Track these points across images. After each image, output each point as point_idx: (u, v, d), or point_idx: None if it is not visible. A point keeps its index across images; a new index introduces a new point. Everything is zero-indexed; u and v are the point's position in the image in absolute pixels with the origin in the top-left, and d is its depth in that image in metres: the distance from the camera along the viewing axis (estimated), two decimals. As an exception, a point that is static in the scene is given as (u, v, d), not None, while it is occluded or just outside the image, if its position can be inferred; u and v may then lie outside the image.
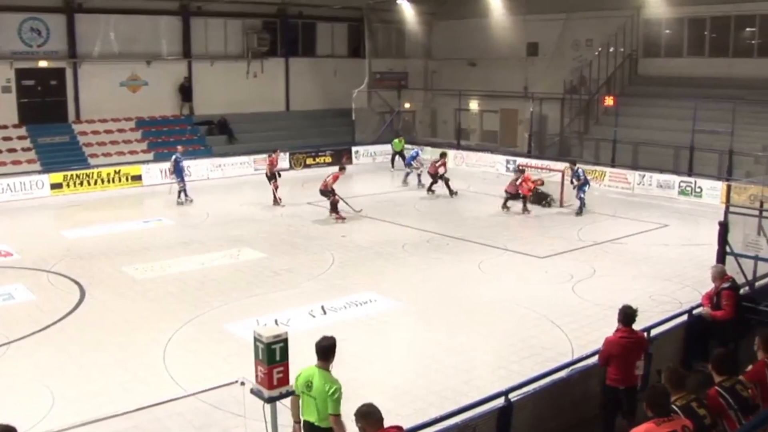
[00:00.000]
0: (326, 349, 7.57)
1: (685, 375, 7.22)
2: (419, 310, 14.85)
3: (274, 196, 25.96)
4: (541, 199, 25.68)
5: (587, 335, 13.16)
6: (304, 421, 7.63)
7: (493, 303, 15.26)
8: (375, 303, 15.16)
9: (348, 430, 7.20)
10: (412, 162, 30.25)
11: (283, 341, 7.56)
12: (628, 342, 8.92)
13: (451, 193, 27.40)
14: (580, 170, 24.95)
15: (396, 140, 34.46)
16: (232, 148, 34.11)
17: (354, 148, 36.58)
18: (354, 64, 40.16)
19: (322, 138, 36.88)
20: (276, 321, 13.54)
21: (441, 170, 27.51)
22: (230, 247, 19.79)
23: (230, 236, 21.00)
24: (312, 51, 39.54)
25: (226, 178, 31.53)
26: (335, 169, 25.27)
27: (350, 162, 35.62)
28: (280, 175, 26.53)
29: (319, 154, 35.20)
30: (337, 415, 7.33)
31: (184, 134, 34.12)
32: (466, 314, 14.52)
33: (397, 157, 34.11)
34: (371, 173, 33.84)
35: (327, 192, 23.58)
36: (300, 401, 7.66)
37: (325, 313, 14.41)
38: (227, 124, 35.14)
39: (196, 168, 31.08)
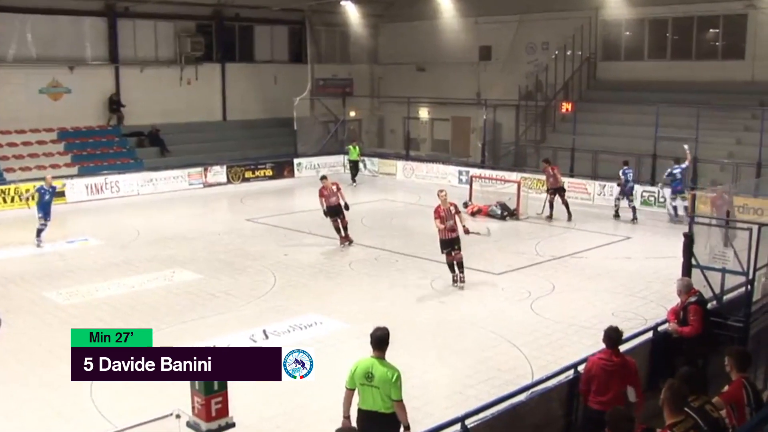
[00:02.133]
0: (381, 339, 8.43)
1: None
2: (368, 332, 14.76)
3: (342, 233, 22.07)
4: (501, 212, 25.88)
5: (547, 355, 13.24)
6: (366, 412, 8.30)
7: (446, 323, 15.28)
8: (320, 326, 15.07)
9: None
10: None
11: (222, 372, 7.45)
12: (607, 364, 8.93)
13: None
14: (628, 172, 25.44)
15: (351, 147, 34.40)
16: (165, 161, 33.76)
17: (296, 160, 36.49)
18: (295, 70, 40.09)
19: (262, 149, 36.70)
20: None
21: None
22: (163, 268, 19.54)
23: (163, 256, 20.74)
24: (250, 56, 39.42)
25: (159, 194, 31.17)
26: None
27: (292, 175, 35.53)
28: (347, 208, 21.94)
29: (259, 166, 35.03)
30: (401, 400, 8.20)
31: (112, 146, 33.67)
32: (418, 336, 14.50)
33: (358, 166, 34.22)
34: (315, 187, 33.59)
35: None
36: (356, 394, 8.36)
37: (267, 337, 14.28)
38: (159, 135, 34.77)
39: (126, 183, 30.71)
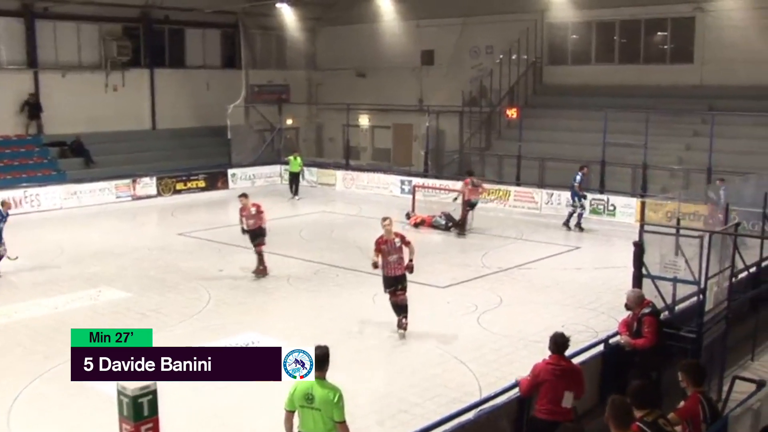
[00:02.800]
0: (321, 358, 8.17)
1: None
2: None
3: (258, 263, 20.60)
4: (446, 223, 25.98)
5: (495, 371, 13.30)
6: None
7: (390, 340, 15.26)
8: (258, 345, 14.92)
9: None
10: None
11: (152, 393, 7.39)
12: (556, 369, 9.11)
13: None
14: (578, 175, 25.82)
15: (291, 158, 33.87)
16: (90, 173, 33.26)
17: (230, 171, 36.25)
18: (229, 76, 39.90)
19: (194, 159, 36.40)
20: (144, 370, 13.14)
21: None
22: (88, 287, 19.20)
23: (88, 274, 20.39)
24: (181, 61, 39.10)
25: (83, 208, 30.67)
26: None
27: (226, 187, 35.28)
28: (260, 234, 20.27)
29: (191, 177, 34.72)
30: (344, 422, 8.09)
31: (32, 157, 33.09)
32: (361, 353, 14.46)
33: (299, 178, 33.70)
34: (250, 198, 33.46)
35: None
36: (296, 416, 8.25)
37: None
38: (83, 145, 34.24)
39: (47, 196, 30.18)
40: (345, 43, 40.89)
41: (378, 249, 15.39)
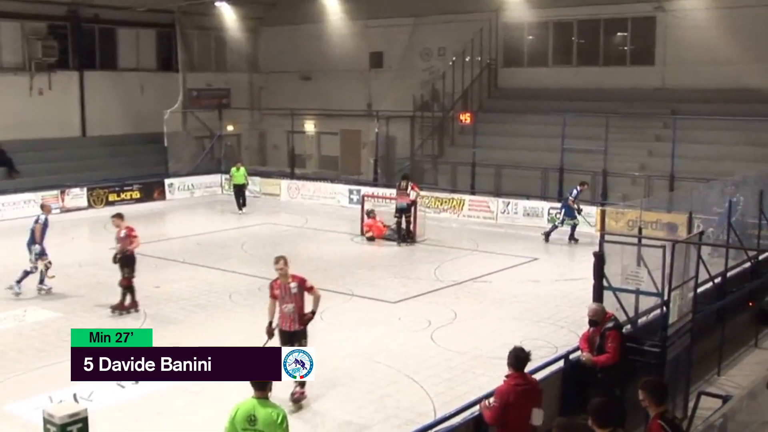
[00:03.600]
0: (262, 382, 8.26)
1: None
2: (252, 372, 14.60)
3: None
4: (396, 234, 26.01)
5: (451, 390, 13.32)
6: None
7: (338, 359, 15.20)
8: (197, 366, 14.79)
9: None
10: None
11: (82, 421, 7.33)
12: (525, 389, 9.12)
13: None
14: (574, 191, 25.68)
15: (234, 169, 33.08)
16: (13, 184, 32.73)
17: (167, 181, 35.94)
18: (165, 79, 39.62)
19: (128, 169, 36.01)
20: (75, 396, 12.97)
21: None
22: (14, 306, 18.85)
23: (13, 293, 20.02)
24: (113, 63, 38.70)
25: (6, 221, 30.14)
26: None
27: (163, 197, 34.99)
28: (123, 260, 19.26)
29: (125, 188, 34.35)
30: None
31: (-51, 167, 32.52)
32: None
33: (245, 190, 32.80)
34: (188, 210, 33.36)
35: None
36: None
37: (137, 381, 13.92)
38: (5, 153, 33.71)
39: (-33, 209, 29.66)
40: (289, 45, 40.83)
41: (271, 294, 13.41)
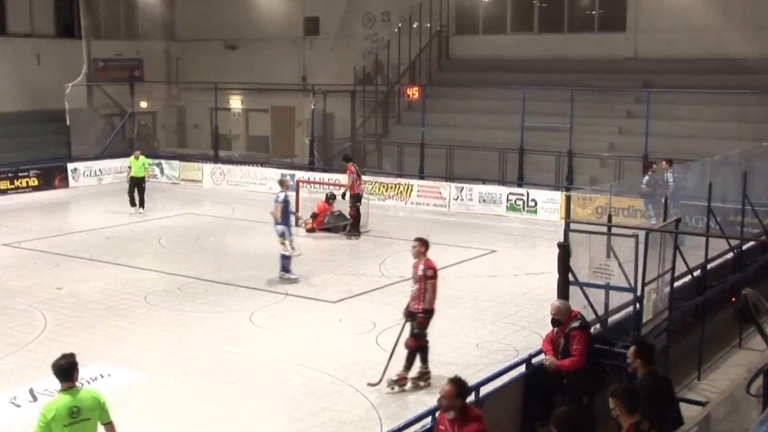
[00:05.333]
0: (68, 369, 8.75)
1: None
2: (172, 384, 14.58)
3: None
4: (338, 223, 26.03)
5: (398, 400, 13.41)
6: None
7: (271, 365, 15.24)
8: (109, 378, 14.71)
9: None
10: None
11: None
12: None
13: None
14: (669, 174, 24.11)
15: (133, 158, 30.58)
16: None
17: (71, 166, 35.56)
18: (65, 48, 39.18)
19: (23, 152, 35.65)
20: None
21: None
22: None
23: None
24: (2, 28, 38.14)
25: None
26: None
27: (65, 185, 34.63)
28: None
29: (20, 174, 33.91)
30: (112, 422, 8.92)
31: None
32: (237, 383, 14.41)
33: (144, 184, 30.18)
34: (96, 199, 33.02)
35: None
36: None
37: (35, 398, 13.82)
38: None
39: None
40: (210, 8, 40.62)
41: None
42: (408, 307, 14.18)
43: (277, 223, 20.78)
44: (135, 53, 42.03)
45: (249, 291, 19.90)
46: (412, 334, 13.96)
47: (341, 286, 20.40)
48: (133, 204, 29.77)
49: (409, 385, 13.84)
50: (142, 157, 30.64)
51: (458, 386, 8.95)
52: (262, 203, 30.71)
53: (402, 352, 13.87)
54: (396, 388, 13.73)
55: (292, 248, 20.97)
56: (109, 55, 40.81)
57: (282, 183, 21.79)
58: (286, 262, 20.81)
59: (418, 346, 13.91)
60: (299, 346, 16.20)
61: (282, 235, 20.72)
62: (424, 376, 14.01)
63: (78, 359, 15.33)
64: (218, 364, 15.31)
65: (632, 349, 9.99)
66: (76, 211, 32.02)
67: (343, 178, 27.17)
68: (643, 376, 9.75)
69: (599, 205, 23.41)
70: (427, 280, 14.00)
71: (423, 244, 14.21)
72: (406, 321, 14.19)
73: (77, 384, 8.85)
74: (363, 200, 26.09)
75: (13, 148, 35.65)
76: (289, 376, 14.80)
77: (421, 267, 14.02)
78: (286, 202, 20.94)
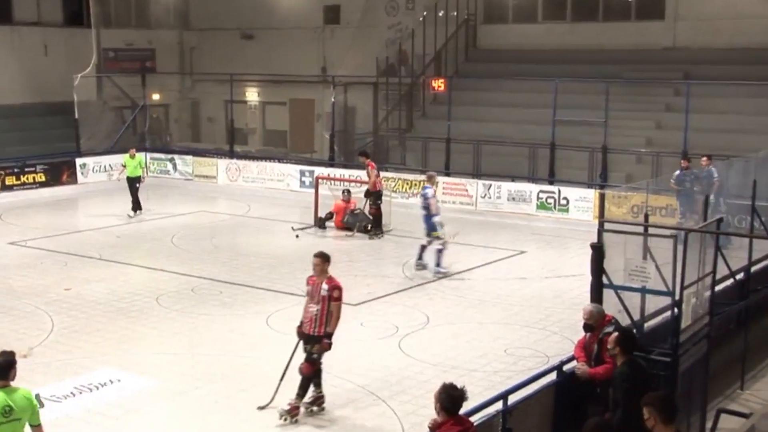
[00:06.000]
0: (4, 367, 8.99)
1: None
2: (184, 390, 14.58)
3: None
4: (359, 223, 26.00)
5: (423, 409, 13.32)
6: None
7: (289, 373, 15.21)
8: (118, 384, 14.75)
9: None
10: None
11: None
12: None
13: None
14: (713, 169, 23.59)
15: (128, 157, 29.69)
16: None
17: (79, 161, 35.69)
18: (74, 37, 39.31)
19: (30, 146, 35.69)
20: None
21: None
22: None
23: None
24: (7, 16, 38.29)
25: None
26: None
27: (74, 181, 34.75)
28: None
29: (26, 170, 34.02)
30: (41, 425, 9.19)
31: None
32: (252, 391, 14.38)
33: (138, 186, 29.28)
34: (105, 195, 33.11)
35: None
36: None
37: (42, 405, 13.83)
38: None
39: None
40: (226, -4, 40.75)
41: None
42: (301, 327, 13.53)
43: (429, 217, 21.42)
44: (147, 43, 42.13)
45: (265, 293, 19.90)
46: (309, 359, 13.32)
47: (362, 288, 20.32)
48: (135, 209, 29.12)
49: (302, 411, 13.33)
50: (138, 156, 30.22)
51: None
52: (280, 201, 30.84)
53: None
54: (288, 419, 13.16)
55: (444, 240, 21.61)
56: (119, 44, 40.93)
57: (430, 178, 22.33)
58: (440, 255, 21.38)
59: (314, 371, 13.41)
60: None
61: (435, 229, 21.32)
62: (318, 400, 13.55)
63: (86, 363, 15.52)
64: (232, 370, 15.31)
65: (614, 335, 10.45)
66: (84, 208, 32.11)
67: (365, 175, 27.08)
68: (621, 365, 10.21)
69: (635, 204, 23.30)
70: (332, 301, 13.37)
71: (325, 260, 13.52)
72: (299, 343, 13.57)
73: (10, 383, 9.06)
74: (384, 198, 26.09)
75: (19, 143, 35.76)
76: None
77: (325, 287, 13.32)
78: (434, 197, 21.83)
